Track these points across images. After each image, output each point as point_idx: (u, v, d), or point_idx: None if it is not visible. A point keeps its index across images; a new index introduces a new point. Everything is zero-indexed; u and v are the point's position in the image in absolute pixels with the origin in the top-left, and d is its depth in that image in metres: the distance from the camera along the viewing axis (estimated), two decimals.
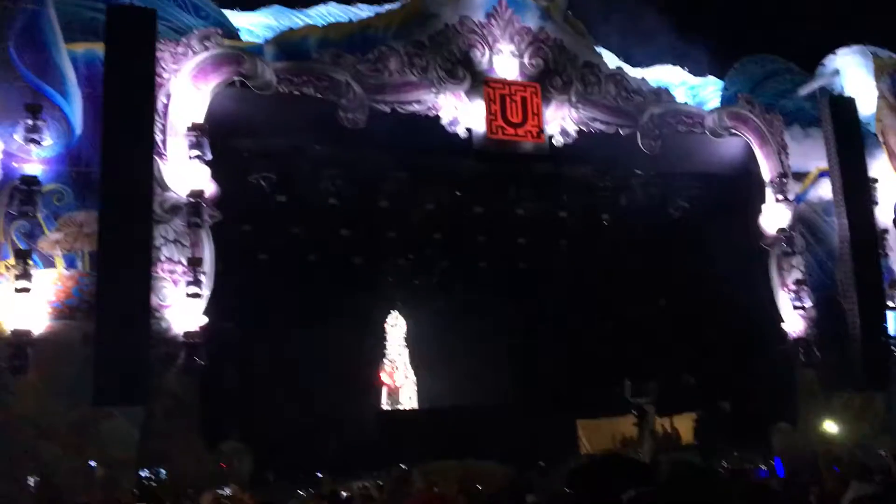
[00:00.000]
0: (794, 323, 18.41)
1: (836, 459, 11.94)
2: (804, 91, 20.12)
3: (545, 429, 19.40)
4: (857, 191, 18.61)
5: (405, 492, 9.39)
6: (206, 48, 15.01)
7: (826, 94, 19.65)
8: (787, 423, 17.92)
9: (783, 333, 18.42)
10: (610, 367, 20.90)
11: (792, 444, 17.17)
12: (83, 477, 12.29)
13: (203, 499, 11.27)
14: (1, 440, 12.30)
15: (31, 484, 11.39)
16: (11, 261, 13.16)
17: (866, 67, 20.27)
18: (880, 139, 19.87)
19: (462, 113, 16.94)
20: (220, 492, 11.70)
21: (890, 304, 18.52)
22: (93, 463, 11.99)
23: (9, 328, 12.91)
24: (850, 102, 19.33)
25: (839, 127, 18.69)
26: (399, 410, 24.61)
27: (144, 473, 12.86)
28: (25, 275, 13.02)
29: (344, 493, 11.22)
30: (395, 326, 25.73)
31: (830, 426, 17.33)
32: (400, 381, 25.34)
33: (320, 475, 14.96)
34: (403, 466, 14.46)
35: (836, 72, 20.31)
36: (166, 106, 14.53)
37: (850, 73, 20.19)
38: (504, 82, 17.25)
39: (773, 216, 18.88)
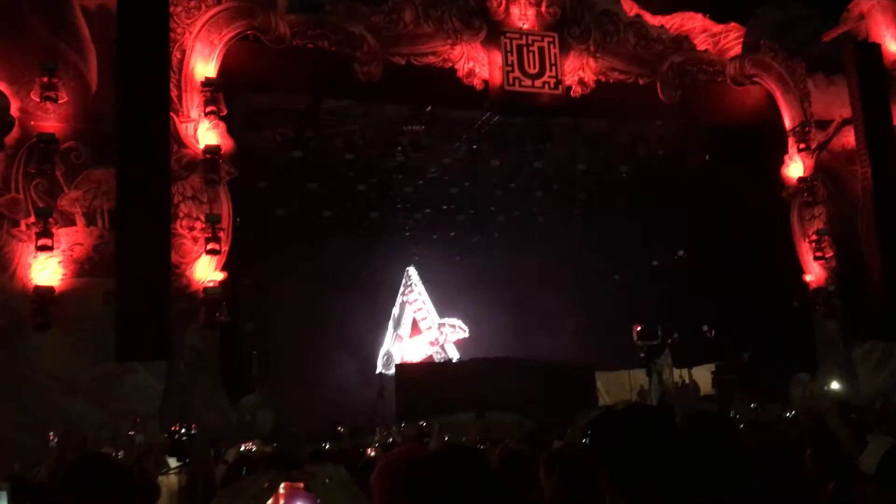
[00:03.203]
0: (815, 273, 18.27)
1: (853, 409, 11.94)
2: (829, 37, 19.65)
3: (564, 381, 19.53)
4: (881, 139, 18.25)
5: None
6: (220, 2, 14.86)
7: (851, 40, 19.18)
8: (807, 373, 17.90)
9: (804, 284, 18.29)
10: (628, 319, 20.94)
11: (811, 394, 17.17)
12: (109, 431, 12.51)
13: (229, 454, 11.44)
14: (26, 395, 12.53)
15: (51, 438, 11.60)
16: (32, 219, 13.26)
17: (893, 12, 19.73)
18: None
19: (478, 64, 16.73)
20: (245, 447, 11.88)
21: None
22: (132, 432, 12.19)
23: (32, 285, 13.08)
24: (875, 49, 18.87)
25: (864, 74, 18.27)
26: (418, 364, 24.86)
27: (176, 427, 13.04)
28: (46, 233, 13.13)
29: (371, 452, 11.35)
30: (413, 281, 25.90)
31: (835, 385, 17.20)
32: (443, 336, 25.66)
33: (340, 429, 15.16)
34: (423, 423, 14.62)
35: (862, 17, 19.78)
36: (181, 61, 14.46)
37: (876, 17, 19.67)
38: (521, 32, 16.97)
39: (795, 166, 18.62)
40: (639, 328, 15.62)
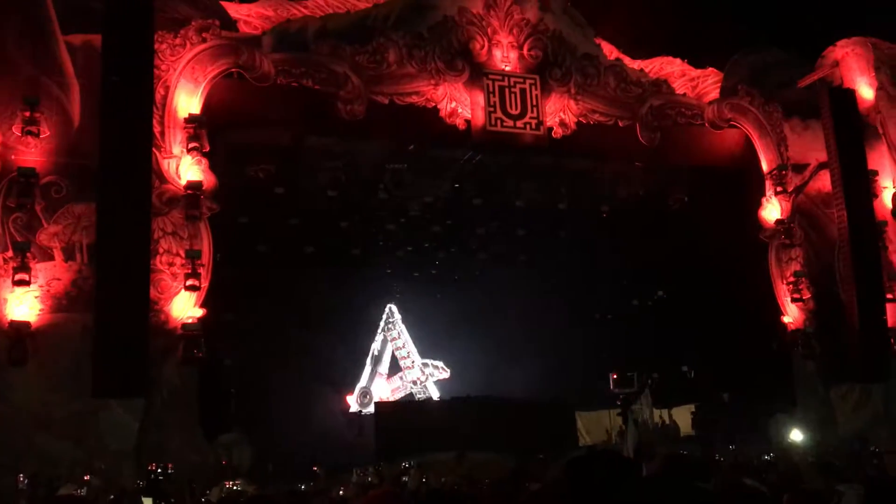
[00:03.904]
0: (792, 315, 18.41)
1: (828, 454, 11.96)
2: (804, 82, 20.05)
3: (544, 421, 19.46)
4: (856, 183, 18.55)
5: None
6: (204, 40, 14.97)
7: (826, 85, 19.57)
8: (786, 414, 17.96)
9: (782, 325, 18.42)
10: (608, 359, 20.97)
11: (789, 436, 17.22)
12: (83, 469, 12.31)
13: (213, 492, 11.32)
14: (0, 432, 12.31)
15: (22, 479, 11.41)
16: (9, 253, 13.14)
17: (866, 58, 20.19)
18: (880, 131, 19.81)
19: (461, 104, 16.91)
20: (230, 485, 11.75)
21: (889, 296, 18.50)
22: (87, 476, 12.02)
23: (7, 320, 12.92)
24: (849, 94, 19.25)
25: (839, 119, 18.62)
26: (398, 402, 24.68)
27: (152, 467, 12.86)
28: (24, 267, 13.02)
29: (341, 491, 11.25)
30: (394, 319, 25.81)
31: (796, 434, 17.14)
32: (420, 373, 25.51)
33: (316, 469, 15.01)
34: (405, 465, 14.51)
35: (836, 63, 20.22)
36: (164, 98, 14.51)
37: (850, 64, 20.11)
38: (503, 74, 17.21)
39: (772, 208, 18.87)
40: (615, 376, 15.64)
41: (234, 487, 11.90)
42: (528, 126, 17.16)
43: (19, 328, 12.91)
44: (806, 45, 20.87)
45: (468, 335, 22.86)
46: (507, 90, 17.09)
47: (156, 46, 14.29)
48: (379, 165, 18.18)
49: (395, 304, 25.70)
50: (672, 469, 3.86)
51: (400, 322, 25.75)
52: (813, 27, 21.30)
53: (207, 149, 14.59)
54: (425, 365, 25.50)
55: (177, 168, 14.41)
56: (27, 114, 13.40)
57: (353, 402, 24.12)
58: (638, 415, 17.33)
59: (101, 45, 13.81)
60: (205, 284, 14.27)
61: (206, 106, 14.86)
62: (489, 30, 17.30)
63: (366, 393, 24.61)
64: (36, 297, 13.24)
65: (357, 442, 19.36)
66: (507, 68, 17.29)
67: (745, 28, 20.97)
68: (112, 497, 10.41)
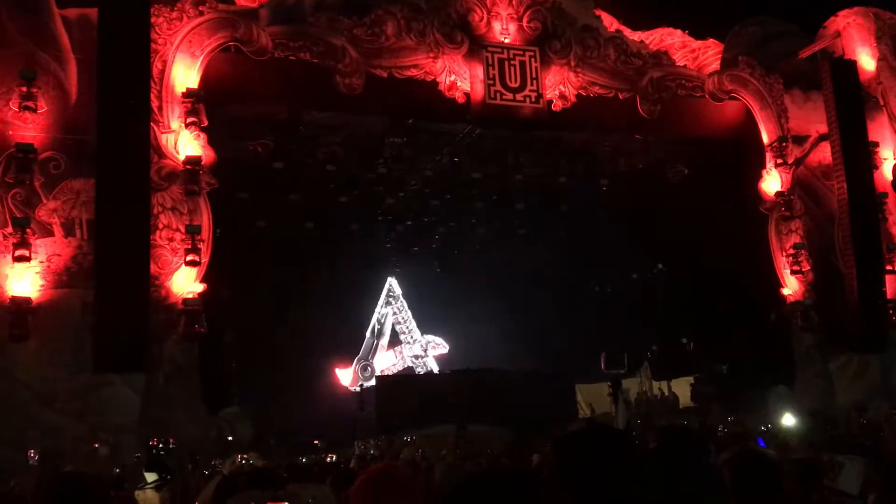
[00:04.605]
0: (792, 287, 18.44)
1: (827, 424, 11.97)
2: (805, 53, 19.90)
3: (544, 393, 19.57)
4: (856, 154, 18.48)
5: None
6: (201, 13, 14.83)
7: (827, 56, 19.43)
8: (785, 386, 18.05)
9: (781, 297, 18.46)
10: (608, 331, 21.03)
11: (789, 407, 17.30)
12: (86, 444, 12.39)
13: (224, 465, 11.39)
14: (2, 407, 12.38)
15: (32, 455, 11.48)
16: (9, 229, 13.13)
17: (868, 29, 20.03)
18: (881, 102, 19.71)
19: (460, 77, 16.79)
20: (240, 459, 11.83)
21: (888, 267, 18.51)
22: (96, 444, 12.08)
23: (8, 296, 12.94)
24: (850, 65, 19.13)
25: (840, 90, 18.51)
26: (399, 376, 24.80)
27: (154, 441, 12.91)
28: (24, 243, 13.02)
29: (328, 459, 11.32)
30: (395, 293, 25.87)
31: (788, 419, 16.97)
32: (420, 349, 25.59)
33: (317, 442, 15.11)
34: (408, 438, 14.61)
35: (838, 34, 20.06)
36: (162, 72, 14.41)
37: (852, 35, 19.95)
38: (502, 46, 17.07)
39: (773, 180, 18.82)
40: (605, 356, 15.67)
41: (244, 461, 11.98)
42: (527, 99, 17.05)
43: (20, 304, 12.93)
44: (807, 15, 20.70)
45: (467, 308, 22.93)
46: (506, 63, 16.96)
47: (152, 20, 14.18)
48: (378, 139, 18.11)
49: (395, 279, 25.73)
50: (670, 441, 3.88)
51: (401, 297, 25.81)
52: None
53: (206, 123, 14.52)
54: (428, 342, 25.62)
55: (175, 143, 14.35)
56: (24, 89, 13.32)
57: (349, 376, 24.20)
58: (630, 393, 17.34)
59: (97, 18, 13.71)
60: (205, 260, 14.27)
61: (204, 80, 14.76)
62: (488, 1, 17.13)
63: (366, 366, 24.71)
64: (37, 273, 13.25)
65: (359, 415, 19.48)
66: (507, 40, 17.15)
67: None
68: (116, 470, 10.49)
